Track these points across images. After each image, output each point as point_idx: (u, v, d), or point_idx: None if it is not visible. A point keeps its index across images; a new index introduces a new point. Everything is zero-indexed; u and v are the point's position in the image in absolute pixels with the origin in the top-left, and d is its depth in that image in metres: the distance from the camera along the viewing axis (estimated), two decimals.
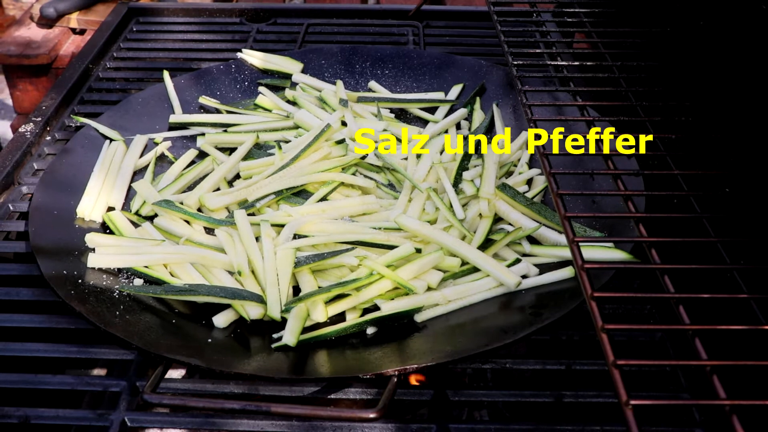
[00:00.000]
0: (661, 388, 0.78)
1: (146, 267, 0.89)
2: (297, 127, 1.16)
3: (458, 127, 1.18)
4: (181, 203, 0.99)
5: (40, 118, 1.17)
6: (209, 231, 0.96)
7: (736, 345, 0.60)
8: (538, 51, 1.06)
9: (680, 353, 0.79)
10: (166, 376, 0.80)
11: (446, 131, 1.16)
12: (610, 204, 0.93)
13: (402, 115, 1.23)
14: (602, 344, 0.54)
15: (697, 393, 0.75)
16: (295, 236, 0.92)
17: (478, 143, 1.09)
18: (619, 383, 0.51)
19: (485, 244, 0.90)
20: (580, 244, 0.67)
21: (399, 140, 1.14)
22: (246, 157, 1.09)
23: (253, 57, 1.29)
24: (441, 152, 1.09)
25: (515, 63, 0.99)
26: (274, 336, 0.81)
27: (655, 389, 0.78)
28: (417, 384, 0.92)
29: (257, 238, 0.91)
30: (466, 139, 1.13)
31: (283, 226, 0.93)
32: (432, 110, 1.22)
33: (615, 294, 0.62)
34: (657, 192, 0.79)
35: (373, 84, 1.28)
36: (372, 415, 0.64)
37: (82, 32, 2.19)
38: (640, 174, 0.83)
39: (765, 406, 0.50)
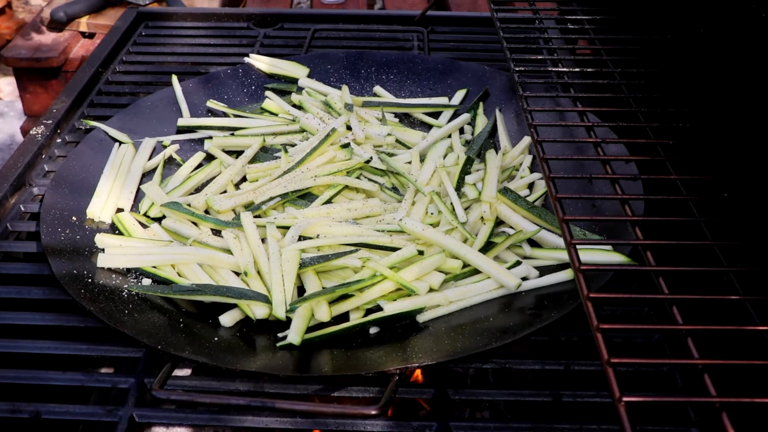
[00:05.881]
0: (657, 390, 0.80)
1: (154, 267, 0.91)
2: (303, 130, 1.18)
3: (462, 131, 1.20)
4: (189, 205, 1.01)
5: (50, 121, 1.20)
6: (216, 232, 0.98)
7: (732, 346, 0.62)
8: (540, 57, 1.08)
9: (676, 354, 0.80)
10: (173, 374, 0.82)
11: (449, 135, 1.17)
12: (610, 208, 0.94)
13: (406, 120, 1.25)
14: (597, 343, 0.56)
15: (693, 393, 0.76)
16: (301, 238, 0.93)
17: (480, 148, 1.10)
18: (613, 381, 0.53)
19: (486, 247, 0.92)
20: (578, 246, 0.69)
21: (403, 144, 1.16)
22: (252, 160, 1.11)
23: (260, 61, 1.31)
24: (444, 156, 1.11)
25: (517, 69, 1.01)
26: (279, 335, 0.82)
27: (651, 390, 0.79)
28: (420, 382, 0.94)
29: (263, 240, 0.93)
30: (469, 143, 1.15)
31: (288, 228, 0.94)
32: (436, 115, 1.24)
33: (611, 295, 0.63)
34: (655, 196, 0.81)
35: (378, 89, 1.30)
36: (373, 412, 0.66)
37: (91, 36, 2.21)
38: (639, 178, 0.84)
39: (754, 404, 0.52)
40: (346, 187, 1.04)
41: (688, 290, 0.63)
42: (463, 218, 0.97)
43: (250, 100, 1.28)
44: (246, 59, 1.32)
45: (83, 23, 2.19)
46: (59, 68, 2.13)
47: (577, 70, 1.02)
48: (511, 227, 0.97)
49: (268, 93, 1.26)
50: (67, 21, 2.16)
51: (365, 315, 0.86)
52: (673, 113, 0.90)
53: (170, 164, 1.13)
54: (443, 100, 1.26)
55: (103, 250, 0.93)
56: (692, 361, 0.55)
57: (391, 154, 1.12)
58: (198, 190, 1.07)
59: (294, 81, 1.30)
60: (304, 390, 0.79)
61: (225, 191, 1.07)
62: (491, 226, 0.95)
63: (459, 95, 1.26)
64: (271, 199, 1.00)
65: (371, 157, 1.07)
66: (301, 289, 0.89)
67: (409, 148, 1.15)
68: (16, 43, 2.16)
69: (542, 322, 0.79)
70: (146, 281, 0.90)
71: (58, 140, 1.19)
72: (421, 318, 0.85)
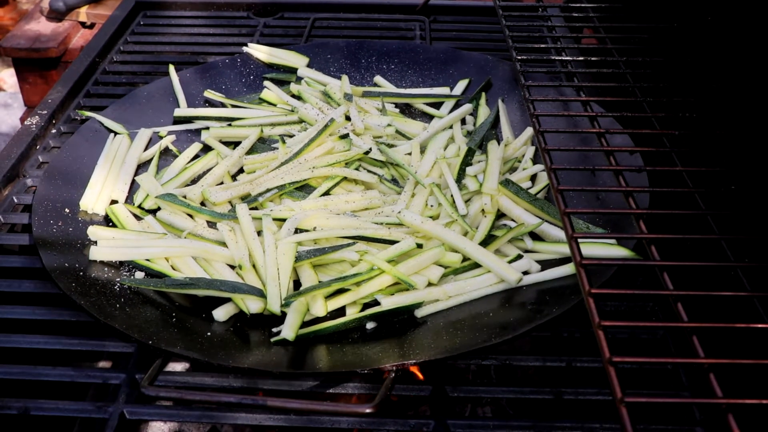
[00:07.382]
0: (663, 388, 0.78)
1: (148, 260, 0.89)
2: (301, 121, 1.16)
3: (463, 122, 1.18)
4: (184, 197, 0.99)
5: (45, 111, 1.18)
6: (212, 225, 0.96)
7: (740, 344, 0.60)
8: (543, 46, 1.06)
9: (681, 352, 0.78)
10: (168, 369, 0.80)
11: (451, 126, 1.15)
12: (615, 201, 0.92)
13: (407, 110, 1.23)
14: (598, 341, 0.54)
15: (698, 392, 0.74)
16: (297, 230, 0.92)
17: (482, 139, 1.08)
18: (614, 380, 0.51)
19: (487, 240, 0.90)
20: (581, 240, 0.66)
21: (403, 135, 1.14)
22: (250, 151, 1.09)
23: (259, 51, 1.29)
24: (445, 147, 1.09)
25: (519, 58, 0.98)
26: (274, 330, 0.81)
27: (657, 389, 0.77)
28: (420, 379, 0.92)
29: (259, 233, 0.91)
30: (470, 134, 1.13)
31: (285, 220, 0.92)
32: (437, 105, 1.22)
33: (613, 291, 0.61)
34: (660, 188, 0.78)
35: (378, 79, 1.28)
36: (368, 410, 0.64)
37: (91, 26, 2.19)
38: (644, 170, 0.82)
39: (762, 405, 0.50)
40: (345, 178, 1.02)
41: (693, 286, 0.61)
42: (463, 211, 0.95)
43: (248, 90, 1.26)
44: (245, 49, 1.29)
45: (83, 13, 2.17)
46: (58, 58, 2.10)
47: (581, 59, 1.00)
48: (512, 220, 0.94)
49: (266, 83, 1.24)
50: (66, 11, 2.14)
51: (362, 310, 0.84)
52: (679, 103, 0.87)
53: (166, 155, 1.11)
54: (445, 90, 1.24)
55: (95, 242, 0.91)
56: (697, 360, 0.53)
57: (390, 145, 1.10)
58: (194, 181, 1.05)
59: (293, 71, 1.28)
60: (299, 386, 0.77)
61: (222, 183, 1.05)
62: (492, 219, 0.93)
63: (461, 85, 1.24)
64: (268, 190, 0.98)
65: (370, 148, 1.05)
66: (297, 283, 0.87)
67: (409, 139, 1.13)
68: (14, 33, 2.14)
69: (543, 317, 0.77)
70: (139, 274, 0.89)
71: (53, 131, 1.17)
72: (420, 313, 0.83)
